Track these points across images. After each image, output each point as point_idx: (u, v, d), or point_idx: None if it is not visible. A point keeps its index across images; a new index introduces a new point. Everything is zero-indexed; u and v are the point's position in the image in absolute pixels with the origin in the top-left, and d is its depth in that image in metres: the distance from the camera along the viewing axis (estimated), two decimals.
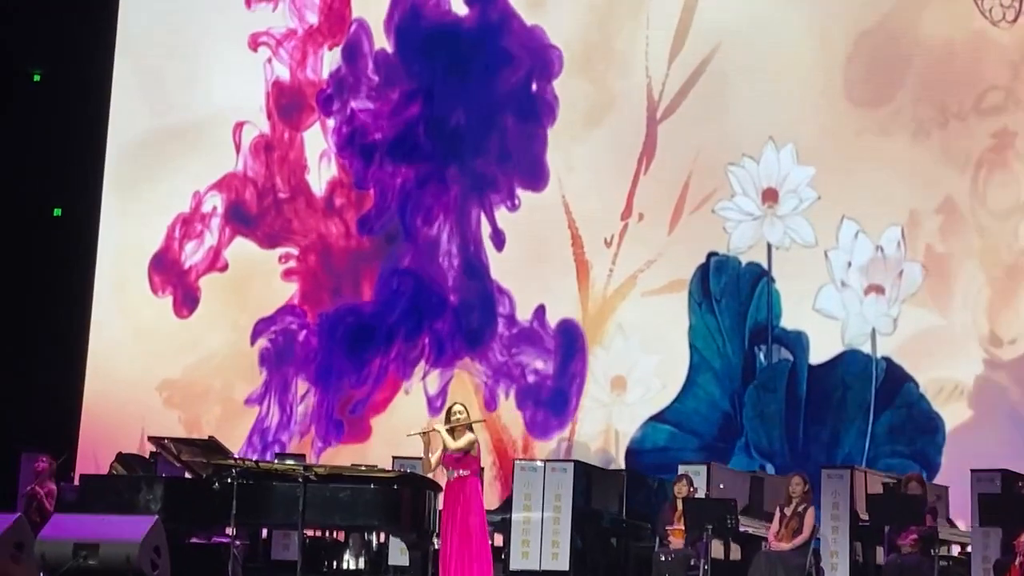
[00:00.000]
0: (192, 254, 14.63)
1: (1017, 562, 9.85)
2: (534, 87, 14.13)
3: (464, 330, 14.04)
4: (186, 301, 14.61)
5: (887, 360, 12.91)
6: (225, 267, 14.63)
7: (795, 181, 13.43)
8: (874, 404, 12.86)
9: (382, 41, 14.51)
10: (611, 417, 13.59)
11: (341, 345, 14.29)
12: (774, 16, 13.67)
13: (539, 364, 13.85)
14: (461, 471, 9.87)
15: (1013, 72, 13.01)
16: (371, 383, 14.17)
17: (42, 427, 13.64)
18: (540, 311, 13.91)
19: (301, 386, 14.28)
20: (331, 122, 14.54)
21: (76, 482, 11.98)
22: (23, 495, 11.75)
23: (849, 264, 13.14)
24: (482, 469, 10.46)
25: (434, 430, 10.03)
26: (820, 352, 13.14)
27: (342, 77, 14.56)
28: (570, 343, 13.82)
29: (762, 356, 13.27)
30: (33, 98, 14.92)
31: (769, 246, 13.40)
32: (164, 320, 14.56)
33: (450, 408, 10.21)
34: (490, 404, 13.89)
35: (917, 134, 13.13)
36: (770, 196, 13.46)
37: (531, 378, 13.86)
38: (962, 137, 13.04)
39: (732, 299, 13.44)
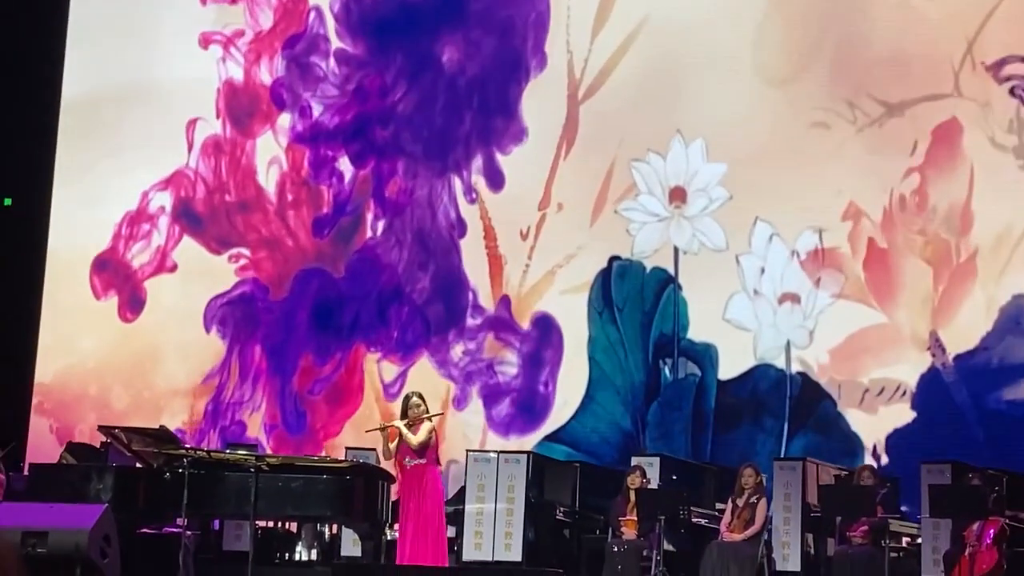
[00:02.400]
0: (139, 254, 14.31)
1: (967, 553, 9.95)
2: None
3: (428, 319, 13.33)
4: (132, 304, 14.28)
5: (802, 375, 12.05)
6: (174, 268, 14.27)
7: (705, 179, 12.41)
8: (788, 424, 12.06)
9: (337, 35, 14.08)
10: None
11: (303, 324, 13.61)
12: None
13: (507, 356, 12.96)
14: (419, 459, 9.94)
15: (945, 49, 11.82)
16: (334, 364, 13.55)
17: None
18: (505, 301, 13.03)
19: (260, 362, 13.70)
20: (286, 117, 14.14)
21: (26, 472, 11.82)
22: None
23: (763, 270, 12.19)
24: (438, 458, 10.42)
25: (393, 426, 10.09)
26: (730, 366, 12.19)
27: (297, 71, 14.20)
28: (544, 337, 12.83)
29: (667, 371, 12.35)
30: None
31: (676, 250, 12.43)
32: (109, 320, 14.25)
33: (407, 400, 10.23)
34: (460, 402, 13.09)
35: (838, 123, 12.05)
36: (678, 195, 12.49)
37: (500, 375, 12.99)
38: (889, 125, 11.97)
39: (635, 308, 12.42)
